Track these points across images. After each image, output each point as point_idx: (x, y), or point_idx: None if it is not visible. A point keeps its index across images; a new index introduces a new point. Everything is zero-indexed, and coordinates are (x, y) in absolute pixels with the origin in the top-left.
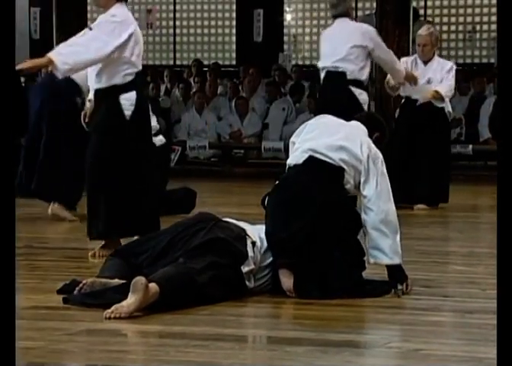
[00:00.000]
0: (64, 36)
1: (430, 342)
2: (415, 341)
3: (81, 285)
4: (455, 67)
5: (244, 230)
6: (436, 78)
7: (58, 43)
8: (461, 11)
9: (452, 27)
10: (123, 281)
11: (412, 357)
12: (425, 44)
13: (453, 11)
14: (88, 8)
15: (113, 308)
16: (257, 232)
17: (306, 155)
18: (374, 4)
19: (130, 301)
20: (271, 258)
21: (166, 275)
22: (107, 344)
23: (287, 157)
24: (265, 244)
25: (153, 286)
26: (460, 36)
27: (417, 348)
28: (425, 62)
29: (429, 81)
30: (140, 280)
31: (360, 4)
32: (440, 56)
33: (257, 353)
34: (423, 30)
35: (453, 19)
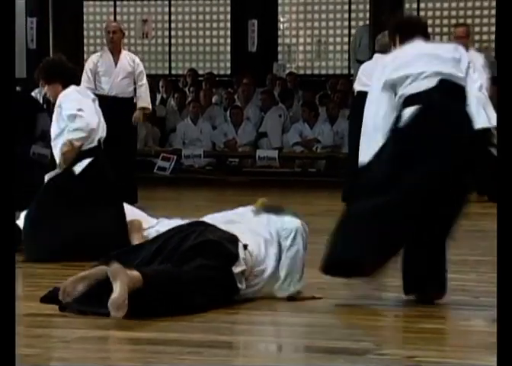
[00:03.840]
0: (60, 46)
1: (424, 349)
2: (409, 348)
3: (61, 297)
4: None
5: (234, 235)
6: None
7: (54, 52)
8: (453, 21)
9: (445, 38)
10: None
11: (406, 364)
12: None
13: (445, 21)
14: (85, 18)
15: (109, 306)
16: (250, 236)
17: (436, 79)
18: (367, 15)
19: (117, 290)
20: (264, 266)
21: (150, 268)
22: (102, 351)
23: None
24: (261, 250)
25: (133, 272)
26: None
27: (410, 355)
28: None
29: None
30: (114, 265)
31: (353, 15)
32: None
33: (251, 360)
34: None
35: (445, 29)
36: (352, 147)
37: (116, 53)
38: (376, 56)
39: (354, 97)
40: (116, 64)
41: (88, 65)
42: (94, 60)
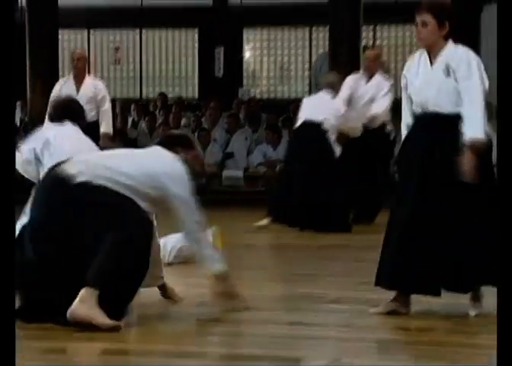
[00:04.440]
0: (36, 71)
1: (380, 359)
2: (365, 357)
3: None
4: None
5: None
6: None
7: (30, 77)
8: (407, 49)
9: (400, 65)
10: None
11: None
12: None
13: (400, 49)
14: (60, 45)
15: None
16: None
17: None
18: (327, 43)
19: (100, 322)
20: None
21: (93, 273)
22: (75, 362)
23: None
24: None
25: (84, 292)
26: None
27: (367, 365)
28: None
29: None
30: (72, 310)
31: (314, 42)
32: None
33: None
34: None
35: (400, 57)
36: (285, 171)
37: (79, 79)
38: (323, 92)
39: (300, 126)
40: (78, 90)
41: (53, 92)
42: (57, 87)
